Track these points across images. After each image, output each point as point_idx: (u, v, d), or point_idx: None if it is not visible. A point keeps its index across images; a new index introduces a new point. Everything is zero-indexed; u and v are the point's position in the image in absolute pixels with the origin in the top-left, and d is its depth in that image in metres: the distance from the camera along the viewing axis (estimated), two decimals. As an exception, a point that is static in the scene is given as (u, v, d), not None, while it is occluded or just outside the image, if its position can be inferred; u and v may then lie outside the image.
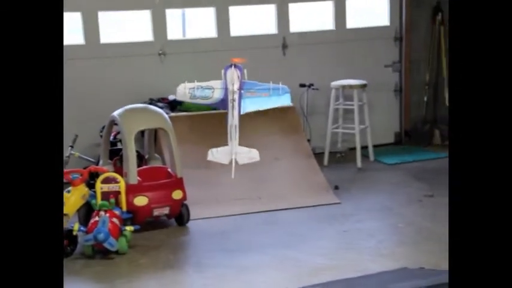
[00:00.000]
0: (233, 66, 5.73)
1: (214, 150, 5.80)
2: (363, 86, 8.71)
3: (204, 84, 5.69)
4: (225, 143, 6.67)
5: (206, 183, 7.32)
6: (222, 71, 6.06)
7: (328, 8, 9.45)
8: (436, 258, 5.56)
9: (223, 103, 5.75)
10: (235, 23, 9.02)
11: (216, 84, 5.73)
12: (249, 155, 5.85)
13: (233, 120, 5.69)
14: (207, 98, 5.69)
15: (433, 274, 4.89)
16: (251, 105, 5.82)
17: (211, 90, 5.68)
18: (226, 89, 5.70)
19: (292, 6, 9.23)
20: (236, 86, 5.69)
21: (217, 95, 5.69)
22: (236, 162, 5.81)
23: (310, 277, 5.20)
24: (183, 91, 5.65)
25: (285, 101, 5.92)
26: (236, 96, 5.70)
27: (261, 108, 5.89)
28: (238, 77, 5.67)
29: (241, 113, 5.77)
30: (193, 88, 5.62)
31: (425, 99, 9.79)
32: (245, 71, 5.94)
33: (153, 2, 8.52)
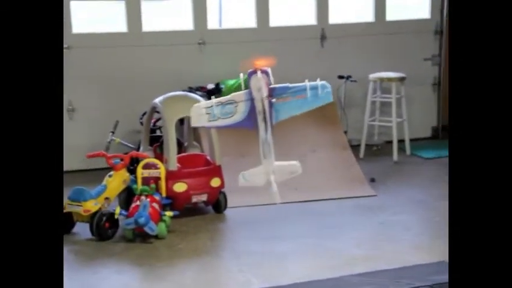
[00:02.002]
0: (258, 72, 4.74)
1: (245, 173, 5.08)
2: (402, 79, 8.71)
3: (223, 99, 4.76)
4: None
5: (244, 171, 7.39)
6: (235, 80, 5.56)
7: (369, 0, 9.45)
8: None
9: (249, 119, 4.81)
10: (274, 13, 9.02)
11: (239, 96, 4.76)
12: (288, 169, 5.19)
13: (265, 135, 4.82)
14: (230, 115, 4.72)
15: None
16: (285, 111, 4.94)
17: (233, 105, 4.73)
18: (252, 100, 4.75)
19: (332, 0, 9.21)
20: (265, 94, 4.75)
21: (242, 109, 4.74)
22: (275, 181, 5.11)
23: (348, 267, 5.26)
24: (198, 113, 4.69)
25: (325, 99, 5.00)
26: (266, 107, 4.79)
27: (297, 113, 5.01)
28: (266, 83, 4.73)
29: (274, 122, 4.90)
30: (211, 107, 4.64)
31: (463, 93, 9.79)
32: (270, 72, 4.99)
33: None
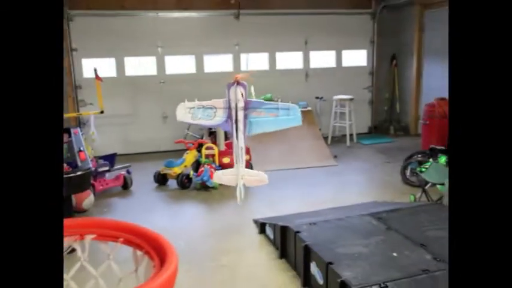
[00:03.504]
0: (236, 84, 3.33)
1: (220, 172, 3.64)
2: (351, 100, 8.67)
3: (205, 103, 3.35)
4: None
5: (261, 151, 7.34)
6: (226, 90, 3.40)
7: (332, 55, 9.39)
8: (392, 196, 5.66)
9: (227, 124, 3.41)
10: (279, 61, 9.02)
11: (218, 103, 3.39)
12: (257, 178, 3.70)
13: (239, 142, 3.42)
14: (210, 118, 3.34)
15: (391, 204, 4.92)
16: (258, 126, 3.46)
17: (213, 110, 3.40)
18: (229, 108, 3.36)
19: (312, 53, 9.19)
20: (240, 105, 3.34)
21: (220, 114, 3.38)
22: (243, 185, 3.68)
23: (322, 205, 5.26)
24: (183, 111, 3.33)
25: (295, 121, 3.35)
26: (241, 117, 3.37)
27: (268, 130, 3.45)
28: (243, 95, 3.33)
29: (248, 134, 3.46)
30: (194, 108, 3.34)
31: (385, 108, 9.74)
32: (252, 88, 3.75)
33: (233, 48, 8.62)
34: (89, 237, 1.60)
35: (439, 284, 2.97)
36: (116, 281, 1.59)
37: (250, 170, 3.66)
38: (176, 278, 1.32)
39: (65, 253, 1.65)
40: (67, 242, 1.58)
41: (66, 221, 1.64)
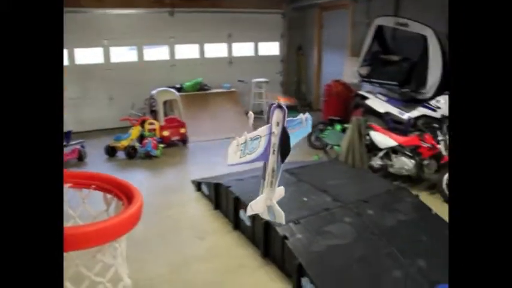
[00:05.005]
0: (279, 107, 2.44)
1: (252, 203, 2.69)
2: (267, 82, 8.74)
3: (253, 135, 2.35)
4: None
5: (195, 125, 7.34)
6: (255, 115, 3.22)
7: (251, 46, 9.40)
8: (301, 157, 5.70)
9: (265, 152, 2.43)
10: (207, 51, 8.90)
11: (263, 131, 2.44)
12: (278, 193, 2.73)
13: (276, 166, 2.48)
14: (254, 151, 2.37)
15: (301, 162, 5.00)
16: (291, 142, 2.59)
17: (258, 140, 2.42)
18: (270, 133, 2.50)
19: (234, 44, 9.14)
20: (280, 127, 2.44)
21: (263, 143, 2.43)
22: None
23: (246, 166, 5.38)
24: (235, 150, 2.18)
25: (307, 130, 2.54)
26: (277, 141, 2.45)
27: (294, 143, 2.46)
28: (284, 117, 2.49)
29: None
30: (244, 143, 2.25)
31: (293, 88, 9.92)
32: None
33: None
34: (66, 186, 1.63)
35: (336, 218, 3.24)
36: (91, 219, 1.65)
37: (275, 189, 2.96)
38: (142, 211, 1.40)
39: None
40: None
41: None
